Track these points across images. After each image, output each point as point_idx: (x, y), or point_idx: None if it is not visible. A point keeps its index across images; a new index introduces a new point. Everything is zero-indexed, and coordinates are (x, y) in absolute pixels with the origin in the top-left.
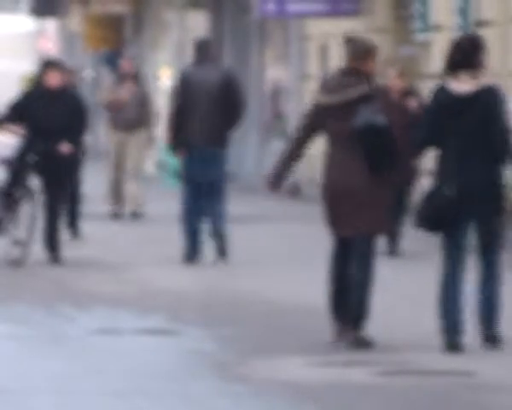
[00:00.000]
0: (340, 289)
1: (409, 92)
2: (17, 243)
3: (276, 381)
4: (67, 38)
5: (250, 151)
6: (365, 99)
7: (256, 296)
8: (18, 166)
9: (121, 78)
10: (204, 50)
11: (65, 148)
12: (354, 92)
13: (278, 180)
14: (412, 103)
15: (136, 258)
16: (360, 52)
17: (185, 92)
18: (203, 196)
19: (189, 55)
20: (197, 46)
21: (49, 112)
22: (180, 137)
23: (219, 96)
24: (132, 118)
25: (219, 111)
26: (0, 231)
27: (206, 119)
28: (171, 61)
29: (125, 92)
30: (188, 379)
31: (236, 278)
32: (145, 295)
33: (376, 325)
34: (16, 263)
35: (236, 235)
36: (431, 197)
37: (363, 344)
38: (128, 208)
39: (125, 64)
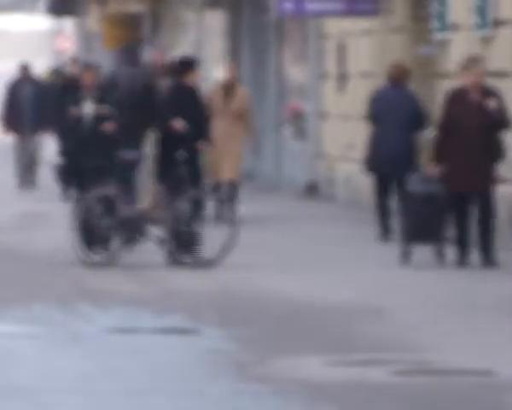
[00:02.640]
0: None
1: (488, 92)
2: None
3: (295, 380)
4: (85, 38)
5: (268, 151)
6: None
7: (274, 296)
8: (166, 163)
9: (155, 72)
10: (129, 54)
11: (203, 145)
12: None
13: None
14: (491, 104)
15: (155, 258)
16: None
17: (112, 91)
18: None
19: (207, 54)
20: (123, 50)
21: (189, 109)
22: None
23: (141, 96)
24: None
25: (141, 109)
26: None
27: (130, 115)
28: None
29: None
30: (206, 379)
31: (254, 279)
32: (164, 294)
33: (395, 324)
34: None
35: (254, 235)
36: None
37: None
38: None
39: (156, 56)
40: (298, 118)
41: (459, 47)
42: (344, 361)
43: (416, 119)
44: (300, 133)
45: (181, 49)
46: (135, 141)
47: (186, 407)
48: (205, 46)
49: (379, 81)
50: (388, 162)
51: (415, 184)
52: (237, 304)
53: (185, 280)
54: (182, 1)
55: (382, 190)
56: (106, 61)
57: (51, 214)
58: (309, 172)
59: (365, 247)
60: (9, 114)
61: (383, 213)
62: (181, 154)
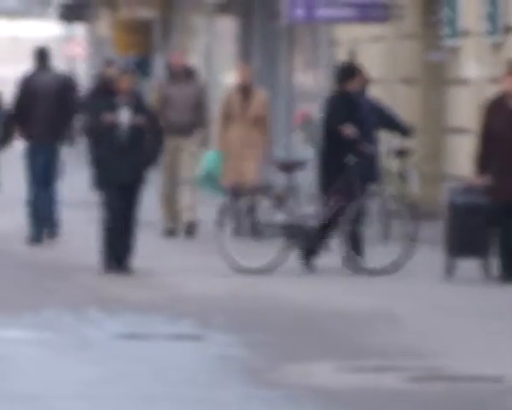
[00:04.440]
0: None
1: None
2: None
3: (307, 386)
4: (96, 44)
5: (278, 157)
6: None
7: (286, 302)
8: (335, 169)
9: (172, 75)
10: (43, 57)
11: (365, 148)
12: None
13: None
14: None
15: (166, 264)
16: None
17: (26, 94)
18: (41, 183)
19: (217, 60)
20: (37, 53)
21: (352, 115)
22: (23, 131)
23: (56, 98)
24: (186, 121)
25: (56, 110)
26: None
27: (45, 116)
28: (200, 67)
29: (177, 91)
30: (217, 385)
31: (266, 284)
32: (175, 300)
33: (407, 331)
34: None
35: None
36: None
37: None
38: (183, 221)
39: (176, 59)
40: (308, 124)
41: (470, 53)
42: (356, 367)
43: (384, 122)
44: (311, 140)
45: (191, 54)
46: (54, 135)
47: None
48: (215, 52)
49: (390, 87)
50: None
51: (457, 195)
52: (248, 310)
53: (195, 286)
54: (192, 6)
55: None
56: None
57: (65, 222)
58: None
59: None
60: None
61: None
62: (351, 159)
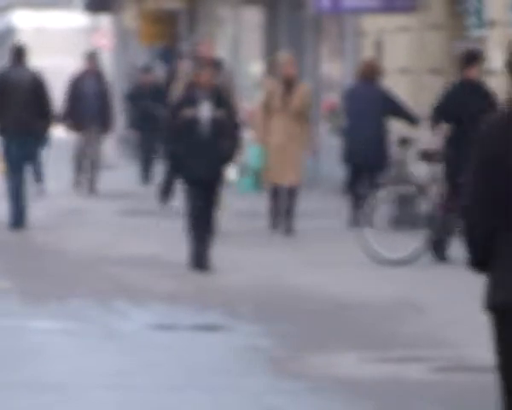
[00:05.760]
0: None
1: None
2: None
3: (332, 377)
4: (122, 34)
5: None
6: None
7: (311, 293)
8: (461, 161)
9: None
10: (19, 55)
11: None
12: None
13: None
14: None
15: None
16: None
17: (2, 89)
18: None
19: (244, 51)
20: (13, 51)
21: (475, 104)
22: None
23: (31, 93)
24: None
25: (31, 105)
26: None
27: (21, 111)
28: (226, 57)
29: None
30: (243, 375)
31: (291, 275)
32: (201, 291)
33: (433, 322)
34: None
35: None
36: None
37: None
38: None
39: (203, 48)
40: (335, 114)
41: (496, 44)
42: (381, 358)
43: (393, 111)
44: (337, 130)
45: (218, 45)
46: (29, 129)
47: (222, 402)
48: (242, 42)
49: (416, 78)
50: (361, 154)
51: None
52: (274, 301)
53: (222, 277)
54: None
55: (355, 180)
56: (142, 57)
57: (96, 212)
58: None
59: None
60: (72, 111)
61: (355, 201)
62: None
